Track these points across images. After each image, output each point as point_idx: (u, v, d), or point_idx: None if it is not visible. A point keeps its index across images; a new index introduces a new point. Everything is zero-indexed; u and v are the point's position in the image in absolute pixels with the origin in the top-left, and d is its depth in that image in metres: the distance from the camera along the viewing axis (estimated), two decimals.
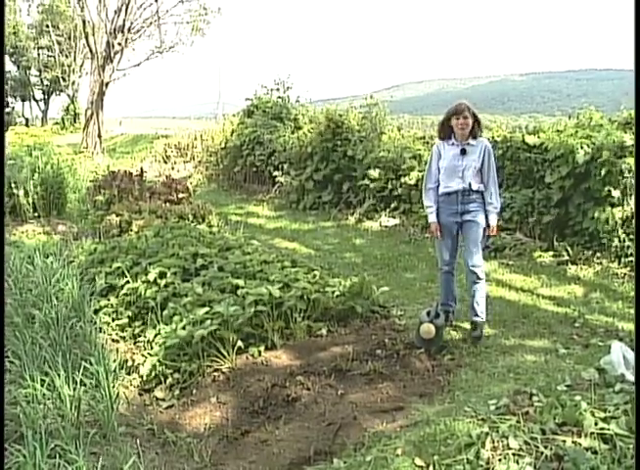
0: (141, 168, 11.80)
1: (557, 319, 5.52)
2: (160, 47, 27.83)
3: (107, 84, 25.37)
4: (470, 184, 5.04)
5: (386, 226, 10.00)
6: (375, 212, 10.52)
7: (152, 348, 4.72)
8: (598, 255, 7.33)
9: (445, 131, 5.16)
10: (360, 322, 5.22)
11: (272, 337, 4.73)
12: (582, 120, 8.52)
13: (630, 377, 3.76)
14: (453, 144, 5.11)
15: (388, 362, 4.46)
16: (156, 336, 4.78)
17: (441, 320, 4.77)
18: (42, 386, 3.83)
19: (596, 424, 3.11)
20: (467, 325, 5.31)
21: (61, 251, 6.97)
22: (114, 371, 4.38)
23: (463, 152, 5.06)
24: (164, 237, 6.76)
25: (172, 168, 18.24)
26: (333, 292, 5.30)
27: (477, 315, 5.11)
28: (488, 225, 5.12)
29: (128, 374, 4.59)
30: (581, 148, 7.50)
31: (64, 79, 45.67)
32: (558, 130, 8.57)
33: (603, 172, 7.20)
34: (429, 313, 4.74)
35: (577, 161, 7.43)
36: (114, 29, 24.59)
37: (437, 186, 5.19)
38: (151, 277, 5.48)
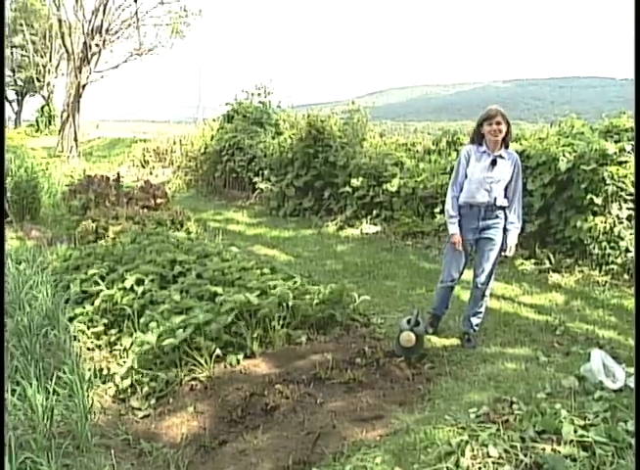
0: (118, 173, 11.74)
1: (538, 327, 5.58)
2: (139, 49, 27.75)
3: (84, 86, 25.20)
4: (495, 199, 4.91)
5: (367, 233, 10.04)
6: (356, 220, 10.56)
7: (128, 356, 4.71)
8: (579, 262, 7.42)
9: (477, 137, 4.99)
10: (340, 330, 5.23)
11: (251, 345, 4.73)
12: (564, 128, 8.63)
13: (610, 385, 3.82)
14: (485, 152, 4.93)
15: (368, 371, 4.48)
16: (132, 344, 4.77)
17: (422, 328, 4.81)
18: (13, 396, 3.80)
19: (575, 432, 3.16)
20: (449, 333, 5.38)
21: (34, 257, 6.91)
22: (89, 380, 4.37)
23: (494, 163, 4.89)
24: (142, 243, 6.74)
25: (150, 173, 18.19)
26: (312, 299, 5.31)
27: (471, 327, 5.19)
28: (505, 243, 5.02)
29: (103, 383, 4.57)
30: (563, 156, 7.58)
31: (38, 80, 45.27)
32: (540, 138, 8.66)
33: (585, 180, 7.30)
34: (409, 321, 4.76)
35: (559, 168, 7.51)
36: (92, 30, 24.42)
37: (459, 195, 5.05)
38: (127, 284, 5.46)
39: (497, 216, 4.98)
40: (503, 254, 5.09)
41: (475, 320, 5.19)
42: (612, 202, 7.26)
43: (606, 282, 6.98)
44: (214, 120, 17.14)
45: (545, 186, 7.81)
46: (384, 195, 10.16)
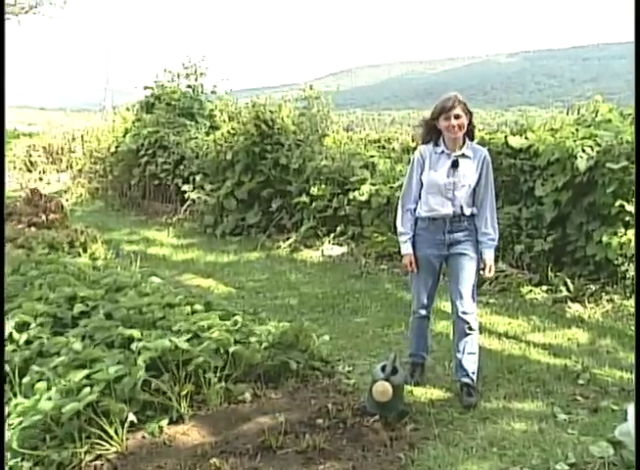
0: None
1: (554, 374, 5.63)
2: (15, 5, 26.88)
3: None
4: (461, 208, 5.04)
5: (329, 256, 10.16)
6: (315, 239, 10.67)
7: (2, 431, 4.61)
8: (608, 289, 7.50)
9: (431, 134, 5.13)
10: (295, 382, 5.25)
11: (178, 406, 4.69)
12: (585, 115, 8.67)
13: None
14: (443, 152, 5.06)
15: (333, 435, 4.47)
16: (9, 415, 4.67)
17: (400, 377, 4.81)
18: None
19: None
20: (437, 382, 5.41)
21: None
22: None
23: (455, 165, 5.02)
24: (27, 275, 6.68)
25: (40, 180, 18.06)
26: (260, 343, 5.32)
27: (467, 376, 5.17)
28: (481, 261, 5.12)
29: None
30: (583, 151, 7.62)
31: None
32: (552, 129, 8.76)
33: (612, 183, 7.34)
34: (384, 369, 4.77)
35: (578, 168, 7.56)
36: None
37: (415, 207, 5.19)
38: (6, 331, 5.38)
39: (467, 228, 5.13)
40: (481, 273, 5.21)
41: (470, 366, 5.19)
42: None
43: None
44: (128, 110, 17.10)
45: (559, 191, 7.90)
46: (350, 206, 10.28)
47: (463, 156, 5.04)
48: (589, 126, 8.21)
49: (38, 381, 4.74)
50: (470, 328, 5.13)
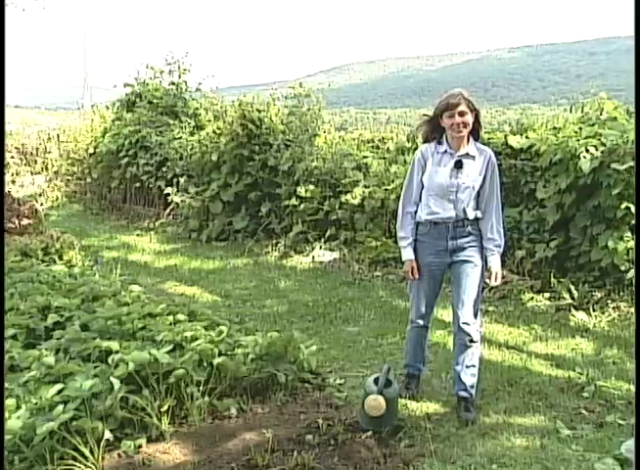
0: None
1: (557, 387, 5.62)
2: None
3: None
4: (465, 212, 5.00)
5: (320, 262, 10.17)
6: (306, 244, 10.68)
7: None
8: (614, 296, 7.51)
9: (434, 133, 5.09)
10: (284, 396, 5.23)
11: (158, 422, 4.67)
12: (589, 113, 8.63)
13: None
14: (445, 152, 5.02)
15: (323, 452, 4.45)
16: None
17: (394, 390, 4.81)
18: None
19: None
20: (433, 396, 5.40)
21: None
22: None
23: (459, 165, 4.97)
24: None
25: (13, 182, 17.97)
26: (246, 355, 5.30)
27: (465, 390, 5.15)
28: (487, 269, 5.09)
29: None
30: (587, 151, 7.61)
31: None
32: (555, 128, 8.76)
33: (618, 184, 7.32)
34: (377, 381, 4.76)
35: (581, 168, 7.55)
36: None
37: (416, 210, 5.15)
38: None
39: (471, 233, 5.08)
40: (487, 281, 5.16)
41: (469, 379, 5.16)
42: None
43: None
44: (108, 108, 17.06)
45: (562, 193, 7.91)
46: (342, 209, 10.29)
47: (467, 155, 5.00)
48: (593, 125, 8.18)
49: (7, 398, 4.69)
50: (471, 340, 5.09)
